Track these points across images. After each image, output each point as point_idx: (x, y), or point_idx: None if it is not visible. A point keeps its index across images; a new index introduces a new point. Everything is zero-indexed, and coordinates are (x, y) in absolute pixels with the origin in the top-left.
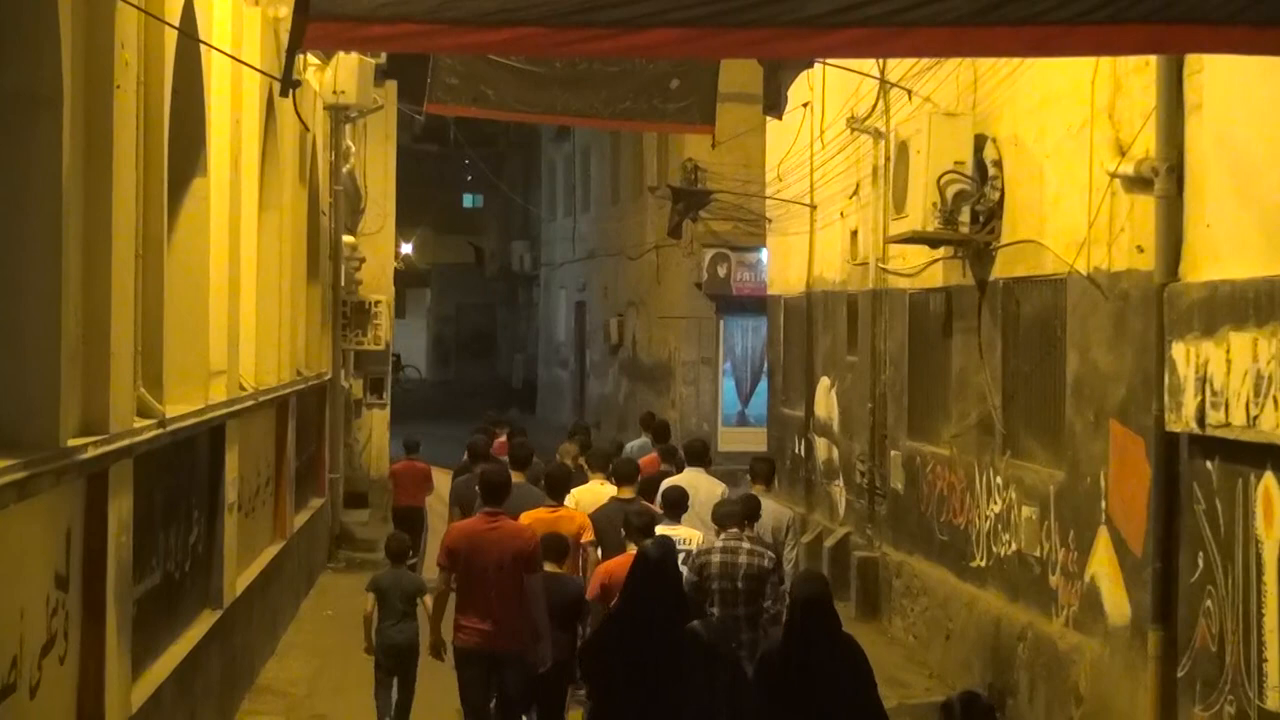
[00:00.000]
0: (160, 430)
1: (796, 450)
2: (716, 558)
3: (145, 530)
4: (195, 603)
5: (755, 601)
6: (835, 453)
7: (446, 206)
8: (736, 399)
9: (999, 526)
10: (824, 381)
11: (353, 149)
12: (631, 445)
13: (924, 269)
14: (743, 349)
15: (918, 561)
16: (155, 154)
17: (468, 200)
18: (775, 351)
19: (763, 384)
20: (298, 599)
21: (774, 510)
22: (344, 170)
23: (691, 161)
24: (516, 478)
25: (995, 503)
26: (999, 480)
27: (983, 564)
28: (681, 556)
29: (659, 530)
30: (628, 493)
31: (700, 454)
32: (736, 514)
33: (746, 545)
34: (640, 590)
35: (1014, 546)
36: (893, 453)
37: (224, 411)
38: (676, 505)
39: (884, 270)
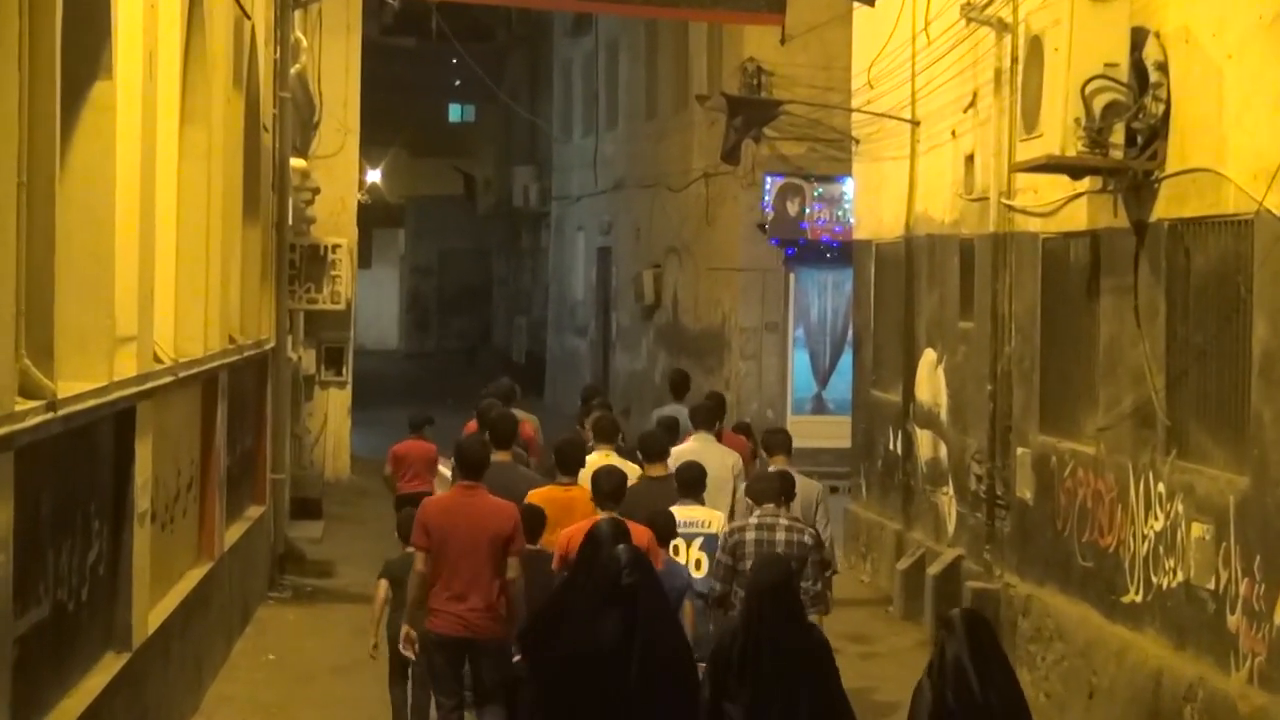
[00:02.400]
0: (50, 415)
1: (891, 446)
2: (751, 535)
3: (29, 547)
4: (95, 643)
5: (796, 582)
6: (943, 450)
7: (427, 121)
8: (811, 378)
9: (1160, 550)
10: (928, 355)
11: (304, 44)
12: (660, 413)
13: (1062, 206)
14: (820, 312)
15: (1051, 595)
16: (43, 49)
17: (455, 113)
18: (863, 315)
19: (846, 358)
20: (229, 638)
21: (802, 484)
22: (292, 72)
23: (753, 62)
24: (501, 456)
25: (1156, 518)
26: (1161, 488)
27: (1138, 599)
28: (700, 541)
29: (674, 510)
30: (659, 470)
31: (709, 417)
32: (774, 489)
33: (784, 521)
34: (584, 573)
35: (1180, 576)
36: (1019, 451)
37: (134, 391)
38: (693, 484)
39: (1009, 208)
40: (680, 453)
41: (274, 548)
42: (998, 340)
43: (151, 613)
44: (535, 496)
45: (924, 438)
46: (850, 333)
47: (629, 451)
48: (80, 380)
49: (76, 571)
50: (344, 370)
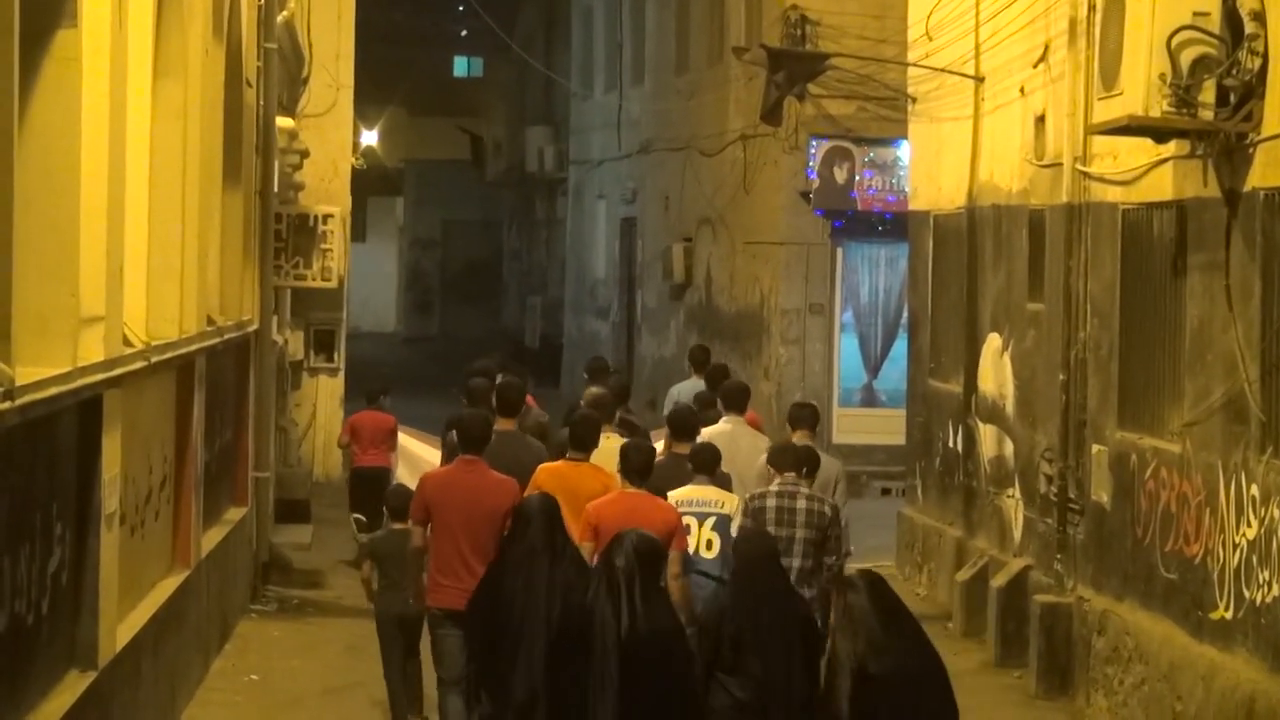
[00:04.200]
0: (6, 404)
1: (951, 443)
2: (772, 501)
3: None
4: (57, 660)
5: (816, 554)
6: (1009, 448)
7: (429, 76)
8: (861, 366)
9: (1254, 559)
10: (993, 341)
11: None
12: (679, 389)
13: (1145, 173)
14: (871, 291)
15: (1131, 611)
16: None
17: (461, 66)
18: (920, 296)
19: (900, 344)
20: (207, 656)
21: (824, 460)
22: (279, 20)
23: (797, 10)
24: (506, 424)
25: (1249, 524)
26: (1255, 491)
27: (1229, 616)
28: (712, 521)
29: (684, 490)
30: (687, 448)
31: (739, 399)
32: (794, 458)
33: (805, 490)
34: (512, 549)
35: (1276, 590)
36: (1095, 448)
37: (101, 378)
38: (708, 463)
39: (1085, 175)
40: (711, 434)
41: (257, 555)
42: (1071, 324)
43: (120, 627)
44: (544, 471)
45: (988, 433)
46: (905, 315)
47: (633, 427)
48: (40, 366)
49: (36, 581)
50: (336, 356)
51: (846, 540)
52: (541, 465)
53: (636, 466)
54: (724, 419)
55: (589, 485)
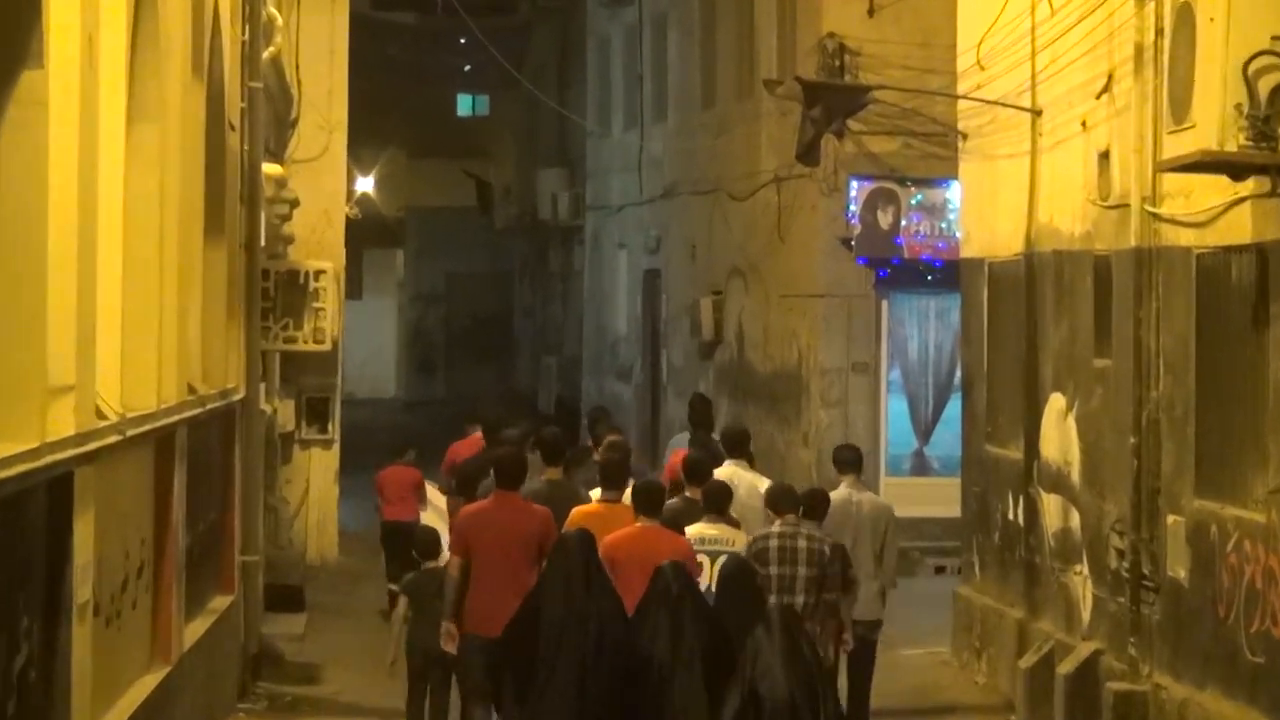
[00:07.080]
0: None
1: (1011, 515)
2: (774, 542)
3: None
4: None
5: (816, 590)
6: (1075, 519)
7: (431, 115)
8: (910, 430)
9: None
10: (1056, 401)
11: (279, 23)
12: (675, 441)
13: (1221, 214)
14: (920, 347)
15: (1214, 699)
16: None
17: (465, 105)
18: (974, 352)
19: (954, 406)
20: None
21: (873, 502)
22: (264, 57)
23: (835, 39)
24: (553, 473)
25: None
26: None
27: None
28: (724, 559)
29: (697, 528)
30: (699, 492)
31: (740, 443)
32: (791, 499)
33: (805, 531)
34: (550, 576)
35: None
36: (1171, 519)
37: (72, 453)
38: (719, 502)
39: (1155, 216)
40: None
41: (246, 647)
42: (1142, 381)
43: None
44: (579, 513)
45: (1051, 504)
46: (958, 374)
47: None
48: (5, 440)
49: (1, 680)
50: (330, 426)
51: (891, 573)
52: (576, 508)
53: (651, 503)
54: (727, 463)
55: (622, 525)
